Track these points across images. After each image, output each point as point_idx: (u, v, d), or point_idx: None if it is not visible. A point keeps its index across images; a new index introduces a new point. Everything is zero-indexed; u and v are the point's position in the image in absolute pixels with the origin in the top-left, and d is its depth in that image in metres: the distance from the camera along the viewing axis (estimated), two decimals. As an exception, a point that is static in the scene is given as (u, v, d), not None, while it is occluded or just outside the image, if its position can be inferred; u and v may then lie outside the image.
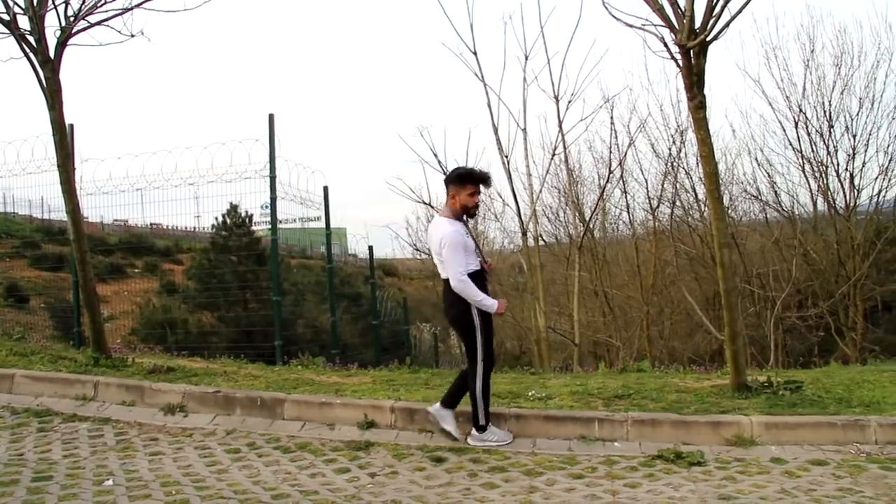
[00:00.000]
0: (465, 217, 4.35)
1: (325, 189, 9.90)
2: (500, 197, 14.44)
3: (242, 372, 6.21)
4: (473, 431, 4.40)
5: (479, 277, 4.28)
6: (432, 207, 12.54)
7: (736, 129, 27.89)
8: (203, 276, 11.77)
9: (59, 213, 8.16)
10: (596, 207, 14.78)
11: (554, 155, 11.23)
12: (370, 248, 13.14)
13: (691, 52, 4.73)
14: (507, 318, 17.21)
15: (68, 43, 6.06)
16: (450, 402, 4.49)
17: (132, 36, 6.13)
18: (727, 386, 5.16)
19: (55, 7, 6.01)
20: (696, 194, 14.60)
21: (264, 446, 4.44)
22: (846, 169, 13.77)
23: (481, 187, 4.31)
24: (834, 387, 5.13)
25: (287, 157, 8.53)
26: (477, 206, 4.34)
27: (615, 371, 6.97)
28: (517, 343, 26.01)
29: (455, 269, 4.17)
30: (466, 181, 4.28)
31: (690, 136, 13.60)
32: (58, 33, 6.03)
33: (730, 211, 14.21)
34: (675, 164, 14.46)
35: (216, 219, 12.08)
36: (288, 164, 8.74)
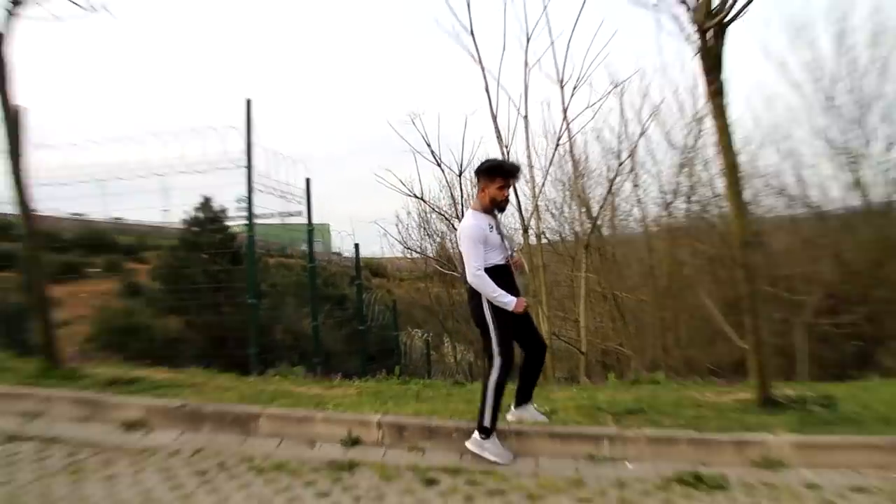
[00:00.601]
0: (495, 210, 4.60)
1: (307, 181, 9.87)
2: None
3: (213, 383, 6.15)
4: (475, 434, 4.50)
5: (503, 273, 4.52)
6: (424, 202, 12.47)
7: (759, 117, 27.95)
8: (171, 276, 11.71)
9: (7, 205, 8.07)
10: (604, 202, 14.76)
11: (558, 145, 11.19)
12: (356, 245, 13.05)
13: (709, 33, 4.70)
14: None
15: (20, 15, 5.98)
16: (519, 399, 4.75)
17: (93, 10, 6.06)
18: (751, 400, 5.12)
19: (4, -25, 5.94)
20: (714, 188, 14.63)
21: (235, 467, 4.38)
22: (883, 160, 13.79)
23: (513, 180, 4.59)
24: (874, 403, 5.07)
25: (266, 146, 8.49)
26: (506, 200, 4.59)
27: (626, 383, 6.94)
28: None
29: (470, 264, 4.43)
30: (496, 174, 4.54)
31: (708, 124, 13.62)
32: (8, 5, 5.95)
33: (752, 206, 14.22)
34: (691, 154, 14.46)
35: (187, 213, 12.02)
36: (266, 154, 8.69)
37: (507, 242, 4.64)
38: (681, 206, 16.31)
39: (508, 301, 4.41)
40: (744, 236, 5.06)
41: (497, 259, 4.52)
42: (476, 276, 4.41)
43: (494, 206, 4.60)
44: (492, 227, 4.52)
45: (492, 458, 4.43)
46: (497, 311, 4.44)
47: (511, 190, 4.67)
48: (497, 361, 4.44)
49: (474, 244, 4.44)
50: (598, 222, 16.37)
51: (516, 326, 4.52)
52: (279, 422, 4.96)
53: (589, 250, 14.32)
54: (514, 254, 4.72)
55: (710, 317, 15.18)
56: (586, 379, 10.51)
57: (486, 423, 4.46)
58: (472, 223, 4.50)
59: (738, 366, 14.12)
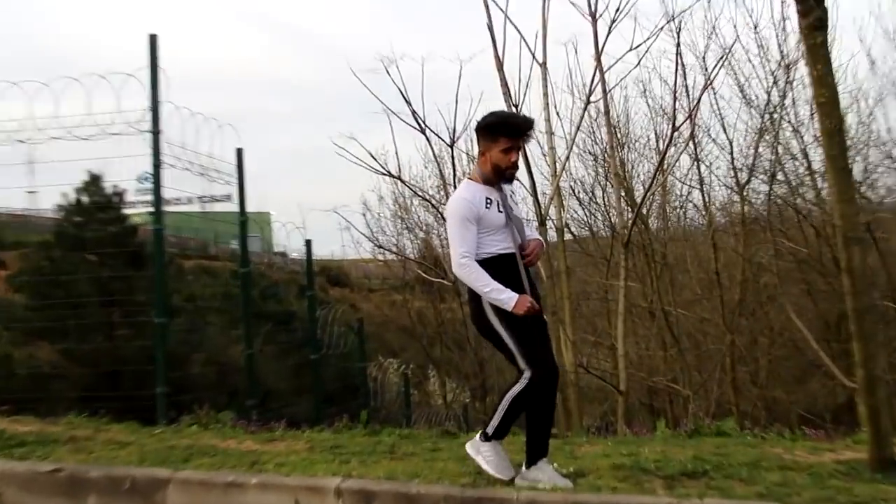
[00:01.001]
0: (500, 182, 4.73)
1: (239, 153, 9.88)
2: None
3: (102, 437, 6.12)
4: (476, 437, 4.80)
5: (507, 267, 4.61)
6: (402, 182, 12.49)
7: (876, 62, 27.98)
8: (41, 286, 11.58)
9: None
10: (652, 183, 14.77)
11: (588, 103, 11.20)
12: (307, 243, 13.05)
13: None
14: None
15: None
16: (531, 456, 4.76)
17: None
18: (862, 461, 5.13)
19: None
20: (808, 162, 14.69)
21: (134, 555, 4.34)
22: None
23: (522, 140, 4.70)
24: None
25: (180, 104, 8.42)
26: (514, 166, 4.70)
27: (682, 434, 6.94)
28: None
29: (455, 250, 4.57)
30: (499, 132, 4.63)
31: (801, 72, 13.67)
32: None
33: (863, 188, 14.31)
34: (776, 116, 14.51)
35: (64, 196, 11.94)
36: (181, 115, 8.70)
37: (516, 224, 4.68)
38: (760, 188, 16.42)
39: (505, 298, 4.47)
40: (850, 230, 5.04)
41: (499, 246, 4.62)
42: (460, 266, 4.53)
43: (498, 176, 4.69)
44: (490, 203, 4.60)
45: (487, 468, 4.63)
46: (505, 313, 4.53)
47: (521, 154, 4.73)
48: (527, 375, 4.51)
49: (462, 223, 4.55)
50: (644, 211, 16.42)
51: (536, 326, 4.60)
52: (197, 490, 4.92)
53: (630, 250, 14.34)
54: (530, 240, 4.77)
55: (800, 342, 15.21)
56: (626, 428, 10.49)
57: (490, 430, 4.69)
58: (461, 195, 4.63)
59: (841, 411, 14.22)
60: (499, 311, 4.54)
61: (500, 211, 4.61)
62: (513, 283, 4.56)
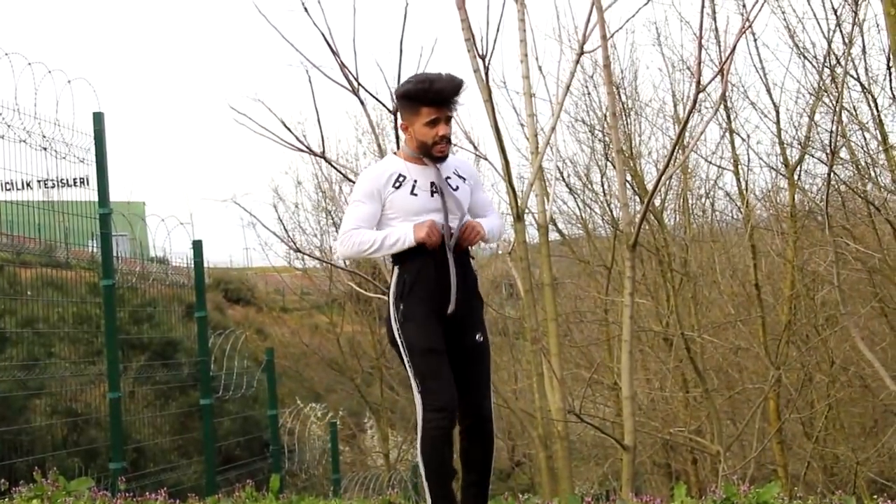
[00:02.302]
0: (431, 159, 5.00)
1: (99, 118, 9.81)
2: (471, 140, 14.31)
3: None
4: None
5: (425, 262, 4.87)
6: (328, 161, 12.46)
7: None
8: None
9: None
10: (668, 163, 14.76)
11: (582, 53, 11.18)
12: (196, 245, 12.93)
13: None
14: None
15: None
16: None
17: None
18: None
19: None
20: (883, 134, 14.74)
21: None
22: None
23: (449, 109, 4.91)
24: None
25: (7, 48, 8.33)
26: (444, 141, 4.94)
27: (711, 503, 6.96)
28: (506, 443, 25.92)
29: (342, 227, 4.97)
30: (420, 102, 4.88)
31: (876, 8, 13.76)
32: None
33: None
34: (838, 71, 14.59)
35: None
36: (11, 61, 8.66)
37: (450, 209, 4.90)
38: (817, 169, 16.52)
39: (400, 236, 4.81)
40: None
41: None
42: (343, 239, 4.94)
43: (424, 152, 4.95)
44: (402, 182, 4.90)
45: None
46: (406, 319, 4.84)
47: (450, 124, 4.93)
48: (419, 409, 4.81)
49: (357, 201, 4.95)
50: (657, 202, 16.45)
51: (437, 343, 4.79)
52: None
53: (639, 254, 14.38)
54: (460, 227, 4.95)
55: (872, 380, 15.26)
56: (633, 496, 10.55)
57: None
58: (367, 169, 5.18)
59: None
60: (405, 316, 4.83)
61: (413, 193, 4.87)
62: (432, 287, 4.82)
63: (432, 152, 4.90)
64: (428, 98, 4.82)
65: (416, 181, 4.90)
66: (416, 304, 4.82)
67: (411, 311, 4.82)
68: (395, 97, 5.27)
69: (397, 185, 4.87)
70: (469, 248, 5.00)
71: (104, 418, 9.68)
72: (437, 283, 4.81)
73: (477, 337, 4.88)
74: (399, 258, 4.90)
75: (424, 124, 4.85)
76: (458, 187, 4.96)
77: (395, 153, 5.18)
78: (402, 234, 4.78)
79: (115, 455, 9.35)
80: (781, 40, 15.93)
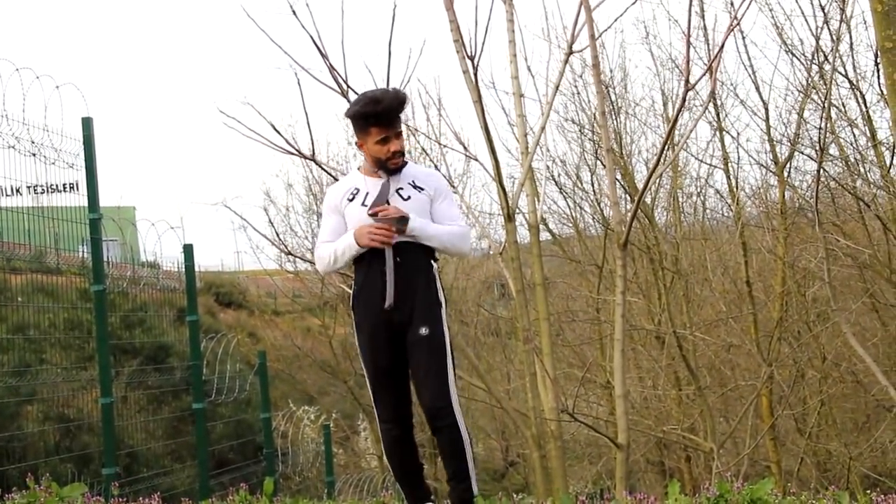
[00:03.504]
0: (387, 172, 5.28)
1: (87, 123, 9.82)
2: (461, 141, 14.30)
3: None
4: None
5: (369, 266, 5.19)
6: (318, 164, 12.45)
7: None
8: None
9: None
10: (658, 162, 14.78)
11: (571, 52, 11.20)
12: (187, 249, 12.93)
13: None
14: (478, 394, 17.12)
15: None
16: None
17: None
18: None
19: None
20: (872, 131, 14.77)
21: None
22: None
23: (398, 125, 5.24)
24: None
25: None
26: (397, 155, 5.24)
27: (703, 501, 6.95)
28: (500, 443, 25.94)
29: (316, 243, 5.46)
30: (368, 122, 5.19)
31: (863, 6, 13.76)
32: None
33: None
34: (826, 68, 14.61)
35: None
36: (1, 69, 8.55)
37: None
38: (806, 166, 16.52)
39: (348, 243, 5.17)
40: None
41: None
42: (316, 254, 5.44)
43: (380, 166, 5.25)
44: (355, 195, 5.28)
45: None
46: (357, 331, 5.28)
47: (400, 137, 5.19)
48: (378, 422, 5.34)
49: (323, 216, 5.49)
50: (648, 200, 16.45)
51: (380, 358, 5.17)
52: None
53: (630, 253, 14.37)
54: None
55: (864, 376, 15.27)
56: (627, 494, 10.56)
57: None
58: (331, 186, 5.64)
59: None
60: (355, 331, 5.28)
61: (364, 205, 5.18)
62: (374, 292, 5.11)
63: (388, 166, 5.19)
64: (375, 118, 5.10)
65: (367, 193, 5.21)
66: (362, 314, 5.18)
67: (359, 322, 5.21)
68: (345, 117, 5.53)
69: (351, 198, 5.26)
70: (418, 250, 5.14)
71: (96, 424, 9.66)
72: (379, 287, 5.05)
73: (421, 331, 4.99)
74: (354, 268, 5.27)
75: (376, 143, 5.15)
76: (409, 197, 5.17)
77: (358, 168, 5.54)
78: (347, 241, 5.14)
79: (108, 460, 9.35)
80: (770, 38, 16.02)
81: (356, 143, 5.39)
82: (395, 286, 4.98)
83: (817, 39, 14.47)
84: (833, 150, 15.16)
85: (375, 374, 5.16)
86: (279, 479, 14.19)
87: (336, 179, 19.32)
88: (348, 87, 10.16)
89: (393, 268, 4.99)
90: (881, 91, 13.87)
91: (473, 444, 5.34)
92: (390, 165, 5.18)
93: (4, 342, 12.27)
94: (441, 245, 5.20)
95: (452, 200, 5.41)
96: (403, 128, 5.36)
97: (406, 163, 5.37)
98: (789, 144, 15.68)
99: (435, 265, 5.20)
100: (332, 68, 10.07)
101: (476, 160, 12.19)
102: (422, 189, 5.23)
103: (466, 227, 5.45)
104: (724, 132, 16.78)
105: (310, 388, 29.57)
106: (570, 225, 20.24)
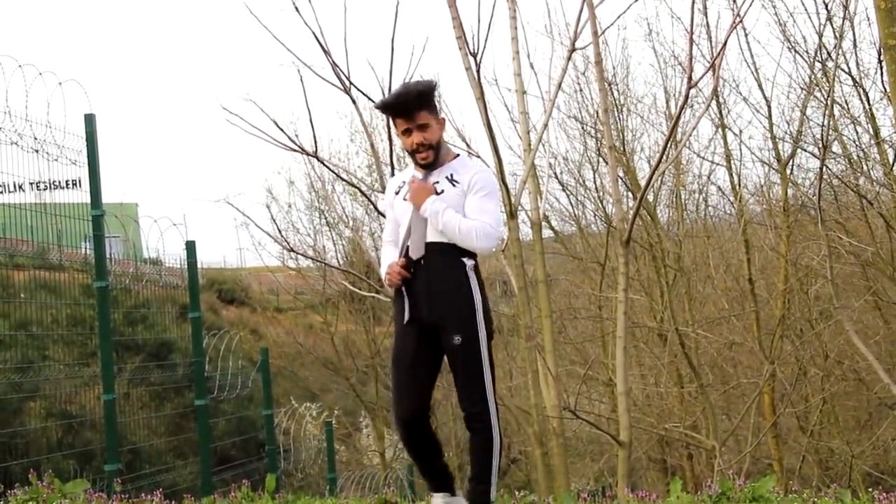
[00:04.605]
0: (419, 166, 5.37)
1: (90, 120, 9.81)
2: (463, 138, 14.33)
3: None
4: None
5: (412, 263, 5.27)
6: (321, 161, 12.44)
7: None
8: None
9: None
10: (661, 159, 14.81)
11: (574, 50, 11.19)
12: (189, 245, 12.92)
13: None
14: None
15: None
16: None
17: None
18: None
19: None
20: (875, 128, 14.74)
21: None
22: None
23: (416, 118, 5.18)
24: None
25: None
26: (421, 148, 5.22)
27: (705, 499, 6.96)
28: (503, 439, 25.93)
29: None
30: (388, 114, 5.66)
31: (866, 2, 13.73)
32: None
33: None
34: (829, 65, 14.59)
35: None
36: (2, 64, 8.70)
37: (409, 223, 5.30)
38: (809, 164, 16.50)
39: (383, 271, 5.36)
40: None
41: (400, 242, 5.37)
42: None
43: (413, 160, 5.37)
44: (400, 188, 5.39)
45: None
46: (394, 334, 5.42)
47: (424, 130, 5.15)
48: None
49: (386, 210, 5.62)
50: (650, 197, 16.43)
51: (403, 356, 5.27)
52: None
53: (632, 250, 14.36)
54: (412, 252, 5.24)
55: (866, 374, 15.23)
56: (629, 492, 10.55)
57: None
58: (388, 182, 5.75)
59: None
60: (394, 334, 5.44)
61: (405, 199, 5.26)
62: (405, 298, 5.23)
63: (416, 160, 5.26)
64: (393, 110, 5.27)
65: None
66: (397, 316, 5.29)
67: (395, 324, 5.34)
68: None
69: (397, 191, 5.36)
70: (449, 251, 5.14)
71: (99, 420, 9.66)
72: (402, 298, 5.19)
73: (454, 339, 5.02)
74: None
75: (400, 134, 5.25)
76: (443, 190, 5.14)
77: (414, 163, 5.47)
78: (383, 272, 5.34)
79: (111, 457, 9.35)
80: (772, 35, 16.02)
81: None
82: (415, 301, 5.11)
83: (820, 36, 14.43)
84: (836, 147, 15.16)
85: (398, 370, 5.24)
86: (281, 475, 14.21)
87: (338, 176, 19.39)
88: (351, 83, 10.17)
89: (418, 279, 5.12)
90: (884, 88, 13.83)
91: (503, 450, 5.40)
92: (418, 160, 5.22)
93: (7, 339, 12.28)
94: (453, 236, 5.11)
95: (490, 197, 5.23)
96: (434, 121, 5.23)
97: (457, 155, 5.45)
98: (792, 142, 15.67)
99: (469, 262, 5.15)
100: (334, 65, 10.09)
101: (478, 157, 12.21)
102: (457, 183, 5.19)
103: (490, 226, 5.17)
104: (726, 129, 16.79)
105: (312, 384, 29.57)
106: (573, 222, 20.28)
